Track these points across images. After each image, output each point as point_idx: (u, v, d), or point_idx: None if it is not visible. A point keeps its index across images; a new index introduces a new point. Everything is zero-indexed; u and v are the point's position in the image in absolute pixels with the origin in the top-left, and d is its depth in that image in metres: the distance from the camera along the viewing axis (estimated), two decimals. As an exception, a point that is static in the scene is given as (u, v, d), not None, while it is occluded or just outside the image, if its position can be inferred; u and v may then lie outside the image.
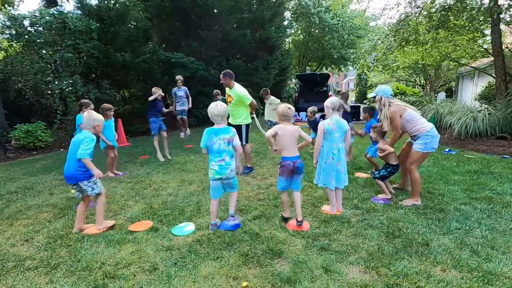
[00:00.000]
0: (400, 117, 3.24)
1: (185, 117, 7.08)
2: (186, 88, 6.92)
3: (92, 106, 4.22)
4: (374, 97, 3.43)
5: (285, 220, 2.88)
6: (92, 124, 2.81)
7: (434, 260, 2.18)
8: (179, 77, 6.82)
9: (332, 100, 3.05)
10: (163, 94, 5.89)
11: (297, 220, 2.76)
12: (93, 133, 2.81)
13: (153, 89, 5.67)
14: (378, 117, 3.62)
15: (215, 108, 2.69)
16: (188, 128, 7.41)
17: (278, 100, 6.91)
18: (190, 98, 7.02)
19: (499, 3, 7.28)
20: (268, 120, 7.04)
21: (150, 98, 5.56)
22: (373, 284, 1.93)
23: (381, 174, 3.52)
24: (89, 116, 2.84)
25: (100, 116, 2.92)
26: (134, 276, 2.10)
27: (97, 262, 2.27)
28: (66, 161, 2.76)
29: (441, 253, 2.25)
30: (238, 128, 4.72)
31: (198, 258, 2.29)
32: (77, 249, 2.48)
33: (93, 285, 2.00)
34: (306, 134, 2.84)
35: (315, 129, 6.61)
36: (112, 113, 4.70)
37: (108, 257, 2.34)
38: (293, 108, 2.82)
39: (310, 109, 5.80)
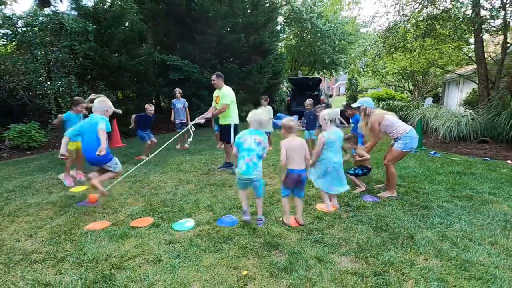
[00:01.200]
0: (380, 124, 3.58)
1: None
2: (185, 100, 7.17)
3: (84, 104, 4.41)
4: (359, 107, 3.80)
5: (285, 224, 2.91)
6: (103, 108, 3.07)
7: (418, 250, 2.38)
8: (177, 90, 7.13)
9: (329, 112, 3.27)
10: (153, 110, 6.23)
11: (298, 223, 2.88)
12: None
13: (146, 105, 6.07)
14: (359, 125, 3.99)
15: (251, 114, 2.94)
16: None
17: (271, 114, 6.78)
18: (188, 112, 7.20)
19: (481, 14, 7.70)
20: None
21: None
22: (363, 271, 2.11)
23: (356, 172, 3.92)
24: (101, 100, 3.08)
25: (110, 103, 3.21)
26: (140, 267, 2.22)
27: (103, 254, 2.38)
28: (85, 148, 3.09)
29: (424, 245, 2.46)
30: (226, 127, 4.89)
31: (200, 251, 2.43)
32: (81, 243, 2.58)
33: (101, 275, 2.11)
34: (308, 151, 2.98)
35: (309, 122, 6.79)
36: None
37: (113, 250, 2.45)
38: (295, 121, 3.00)
39: (308, 101, 6.12)
